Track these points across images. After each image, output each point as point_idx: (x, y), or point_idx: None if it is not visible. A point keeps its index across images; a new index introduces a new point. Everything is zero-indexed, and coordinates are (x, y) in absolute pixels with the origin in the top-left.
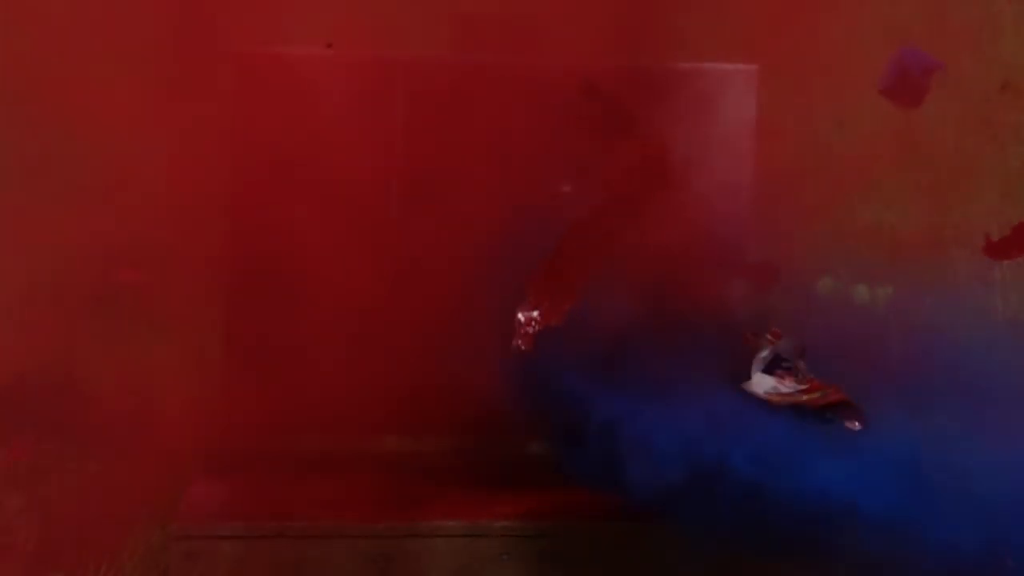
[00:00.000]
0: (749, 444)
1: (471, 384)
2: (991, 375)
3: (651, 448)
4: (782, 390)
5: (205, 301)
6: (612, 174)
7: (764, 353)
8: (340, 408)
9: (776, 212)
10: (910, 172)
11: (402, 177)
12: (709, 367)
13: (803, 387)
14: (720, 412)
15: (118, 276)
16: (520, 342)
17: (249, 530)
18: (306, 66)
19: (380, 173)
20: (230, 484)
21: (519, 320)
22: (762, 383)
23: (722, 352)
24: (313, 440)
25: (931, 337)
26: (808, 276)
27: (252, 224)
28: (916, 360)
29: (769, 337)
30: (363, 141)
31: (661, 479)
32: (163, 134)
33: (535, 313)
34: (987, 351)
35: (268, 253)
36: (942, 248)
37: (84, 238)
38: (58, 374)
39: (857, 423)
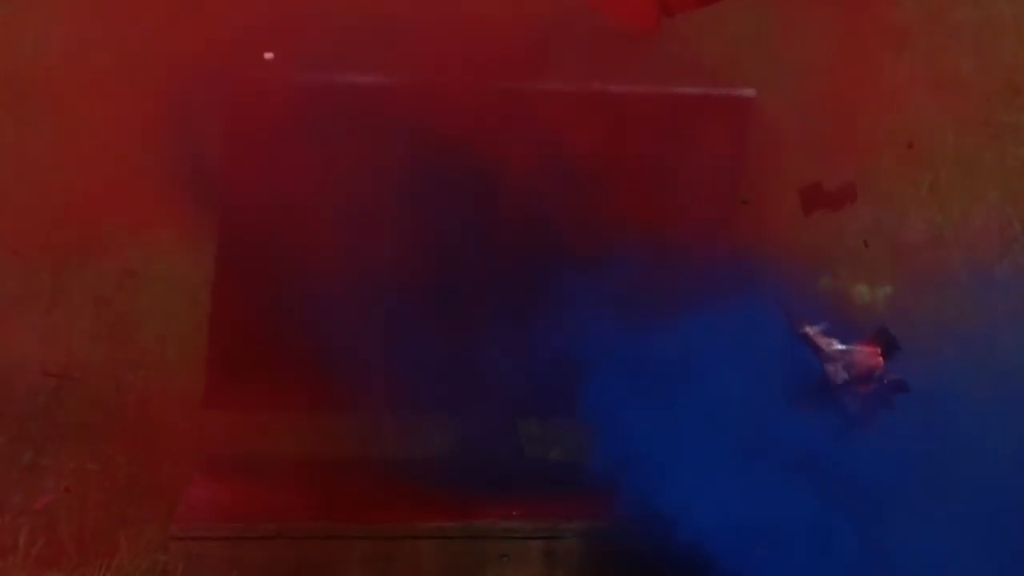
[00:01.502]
0: None
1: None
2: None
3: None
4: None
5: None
6: None
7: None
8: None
9: (776, 211)
10: (910, 172)
11: (399, 199)
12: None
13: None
14: None
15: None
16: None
17: (248, 531)
18: (302, 92)
19: (377, 196)
20: (229, 486)
21: None
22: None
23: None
24: (310, 442)
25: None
26: (808, 276)
27: (245, 239)
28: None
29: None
30: (359, 164)
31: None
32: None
33: None
34: (987, 351)
35: (260, 265)
36: (942, 248)
37: (81, 246)
38: (57, 374)
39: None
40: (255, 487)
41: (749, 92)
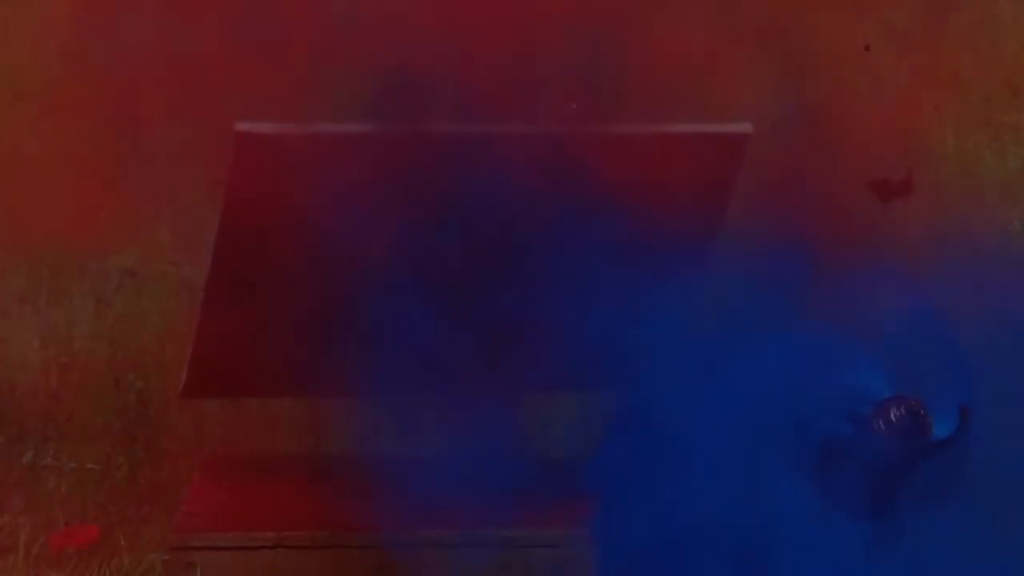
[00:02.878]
0: None
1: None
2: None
3: None
4: None
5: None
6: None
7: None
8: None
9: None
10: (910, 172)
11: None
12: None
13: None
14: None
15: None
16: None
17: (248, 540)
18: (306, 144)
19: (379, 248)
20: (229, 489)
21: None
22: None
23: None
24: (311, 447)
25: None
26: None
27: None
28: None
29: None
30: (362, 216)
31: None
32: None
33: None
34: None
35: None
36: (942, 248)
37: (81, 246)
38: (55, 373)
39: None
40: (256, 491)
41: (746, 128)
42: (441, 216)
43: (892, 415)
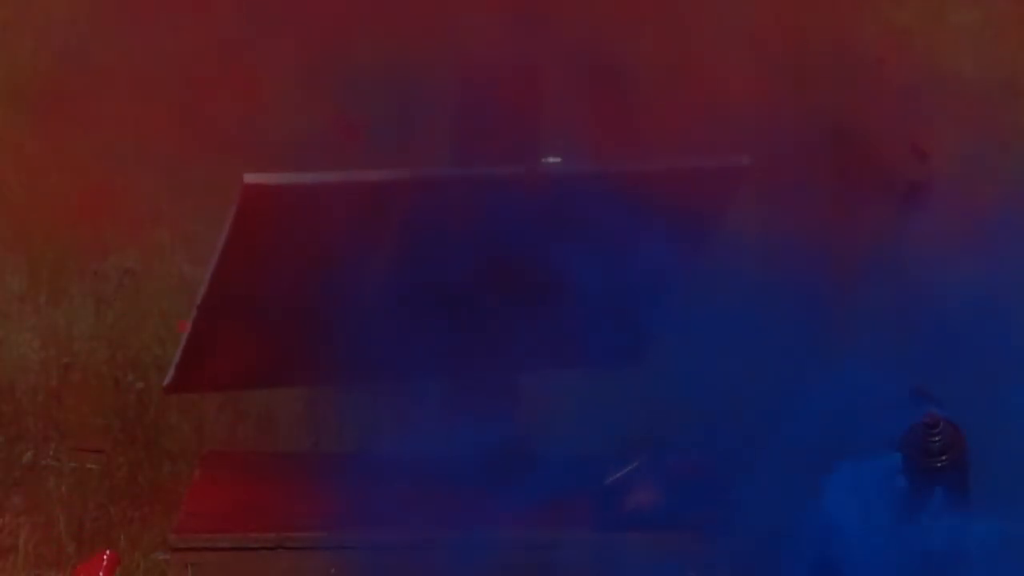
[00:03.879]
0: None
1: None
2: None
3: None
4: None
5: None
6: None
7: None
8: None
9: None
10: (911, 172)
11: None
12: None
13: None
14: None
15: None
16: None
17: (248, 542)
18: (307, 192)
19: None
20: (229, 490)
21: None
22: None
23: None
24: (311, 446)
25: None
26: None
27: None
28: None
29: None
30: (361, 259)
31: None
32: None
33: None
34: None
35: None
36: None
37: (81, 246)
38: (55, 373)
39: None
40: (256, 491)
41: (744, 160)
42: (438, 246)
43: (924, 436)
